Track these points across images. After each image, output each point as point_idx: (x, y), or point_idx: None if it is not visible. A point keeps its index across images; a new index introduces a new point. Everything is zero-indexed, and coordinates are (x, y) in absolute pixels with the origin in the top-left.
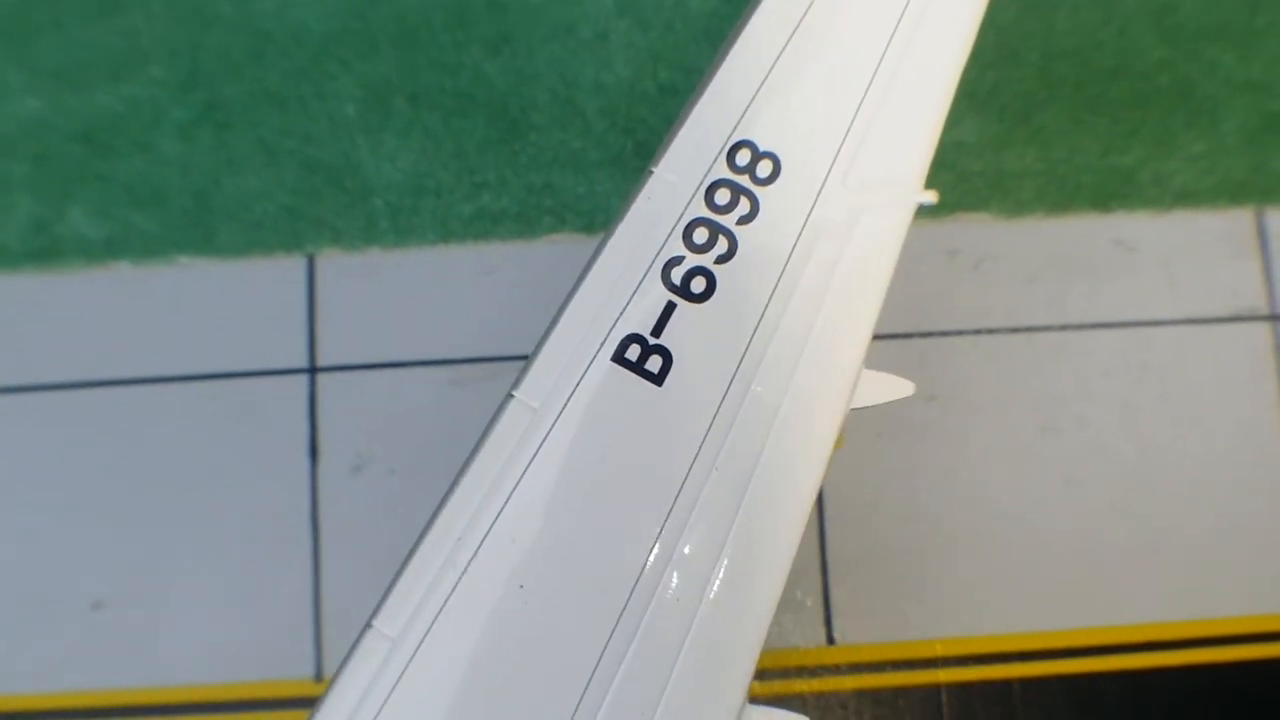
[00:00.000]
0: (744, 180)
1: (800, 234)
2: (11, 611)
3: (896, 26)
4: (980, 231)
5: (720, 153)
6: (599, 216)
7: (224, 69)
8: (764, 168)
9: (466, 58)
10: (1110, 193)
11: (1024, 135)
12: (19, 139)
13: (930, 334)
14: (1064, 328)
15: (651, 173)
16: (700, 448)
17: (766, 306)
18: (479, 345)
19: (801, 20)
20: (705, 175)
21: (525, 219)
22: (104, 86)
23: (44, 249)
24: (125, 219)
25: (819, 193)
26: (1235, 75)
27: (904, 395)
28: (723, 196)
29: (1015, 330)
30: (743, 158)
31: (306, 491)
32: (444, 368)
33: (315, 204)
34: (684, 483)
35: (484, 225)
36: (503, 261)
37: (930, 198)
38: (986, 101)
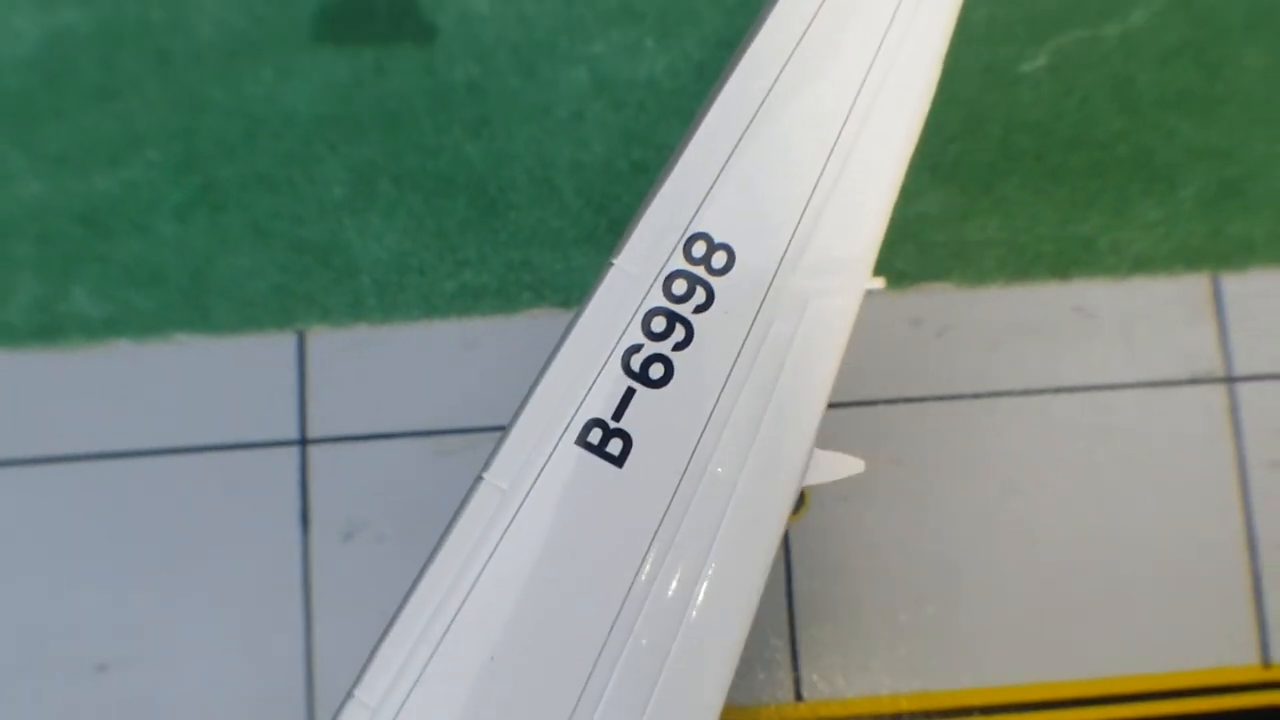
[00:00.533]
0: (700, 271)
1: (754, 321)
2: (21, 675)
3: (846, 120)
4: (943, 300)
5: (677, 245)
6: (575, 292)
7: (218, 153)
8: (719, 259)
9: (447, 140)
10: (1070, 260)
11: (986, 206)
12: (23, 221)
13: (896, 400)
14: (1025, 392)
15: (612, 264)
16: (659, 526)
17: (722, 390)
18: (462, 416)
19: (756, 114)
20: (663, 267)
21: (505, 295)
22: (103, 170)
23: (47, 327)
24: (124, 298)
25: (771, 282)
26: (1193, 143)
27: (854, 473)
28: (680, 287)
29: (978, 396)
30: (699, 249)
31: (299, 558)
32: (429, 438)
33: (305, 282)
34: (644, 559)
35: (466, 301)
36: (484, 336)
37: (878, 284)
38: (949, 174)
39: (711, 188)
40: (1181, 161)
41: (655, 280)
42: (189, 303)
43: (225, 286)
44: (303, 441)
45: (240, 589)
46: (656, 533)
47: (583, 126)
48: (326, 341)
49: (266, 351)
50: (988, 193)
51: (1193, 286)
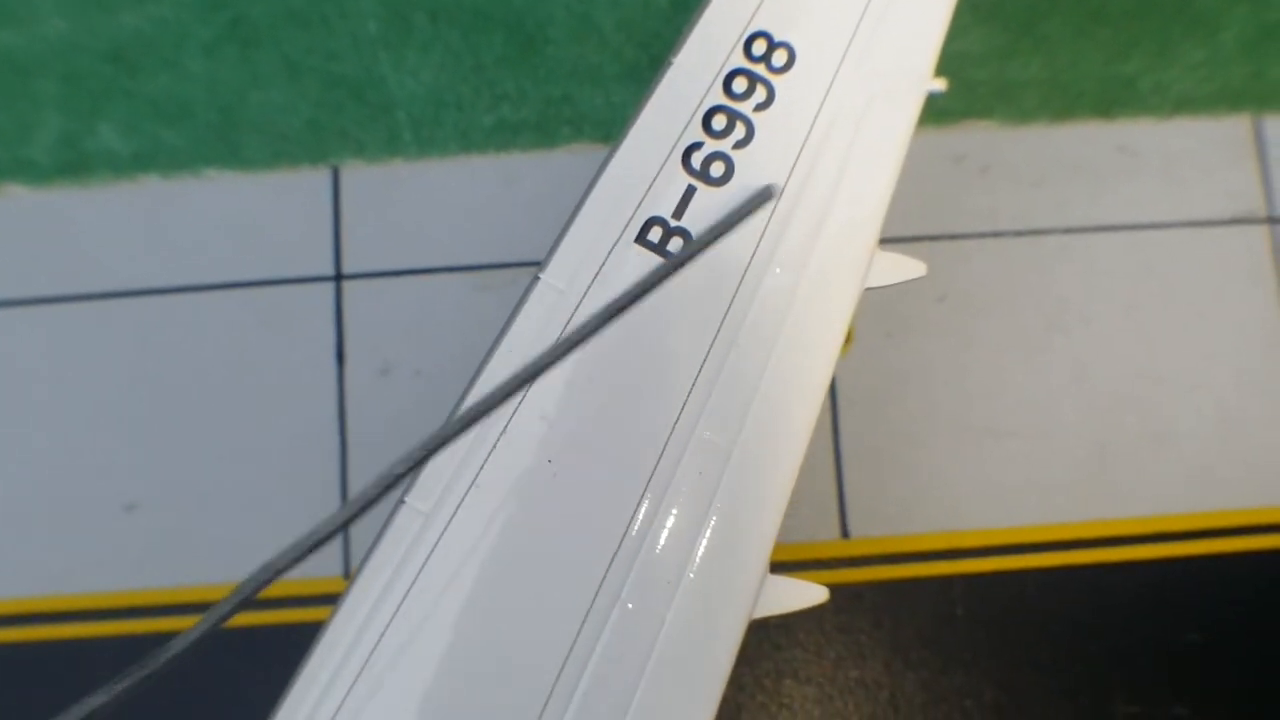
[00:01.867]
0: (760, 69)
1: (815, 120)
2: (48, 514)
3: None
4: (986, 138)
5: (737, 42)
6: (617, 127)
7: None
8: (779, 57)
9: None
10: (1113, 100)
11: (1028, 45)
12: (48, 59)
13: (939, 237)
14: (1069, 230)
15: (671, 63)
16: (720, 327)
17: (782, 190)
18: (502, 251)
19: None
20: (723, 64)
21: (544, 130)
22: (131, 7)
23: (73, 163)
24: (153, 134)
25: (832, 81)
26: None
27: (916, 276)
28: (740, 85)
29: (1021, 233)
30: (759, 47)
31: (334, 395)
32: (468, 274)
33: (339, 117)
34: (704, 360)
35: (504, 136)
36: (523, 171)
37: (940, 85)
38: (991, 12)
39: None
40: (1221, 5)
41: (716, 78)
42: (219, 138)
43: (257, 122)
44: (338, 277)
45: (274, 425)
46: (718, 331)
47: None
48: (361, 176)
49: (300, 186)
50: (1029, 32)
51: (1234, 128)
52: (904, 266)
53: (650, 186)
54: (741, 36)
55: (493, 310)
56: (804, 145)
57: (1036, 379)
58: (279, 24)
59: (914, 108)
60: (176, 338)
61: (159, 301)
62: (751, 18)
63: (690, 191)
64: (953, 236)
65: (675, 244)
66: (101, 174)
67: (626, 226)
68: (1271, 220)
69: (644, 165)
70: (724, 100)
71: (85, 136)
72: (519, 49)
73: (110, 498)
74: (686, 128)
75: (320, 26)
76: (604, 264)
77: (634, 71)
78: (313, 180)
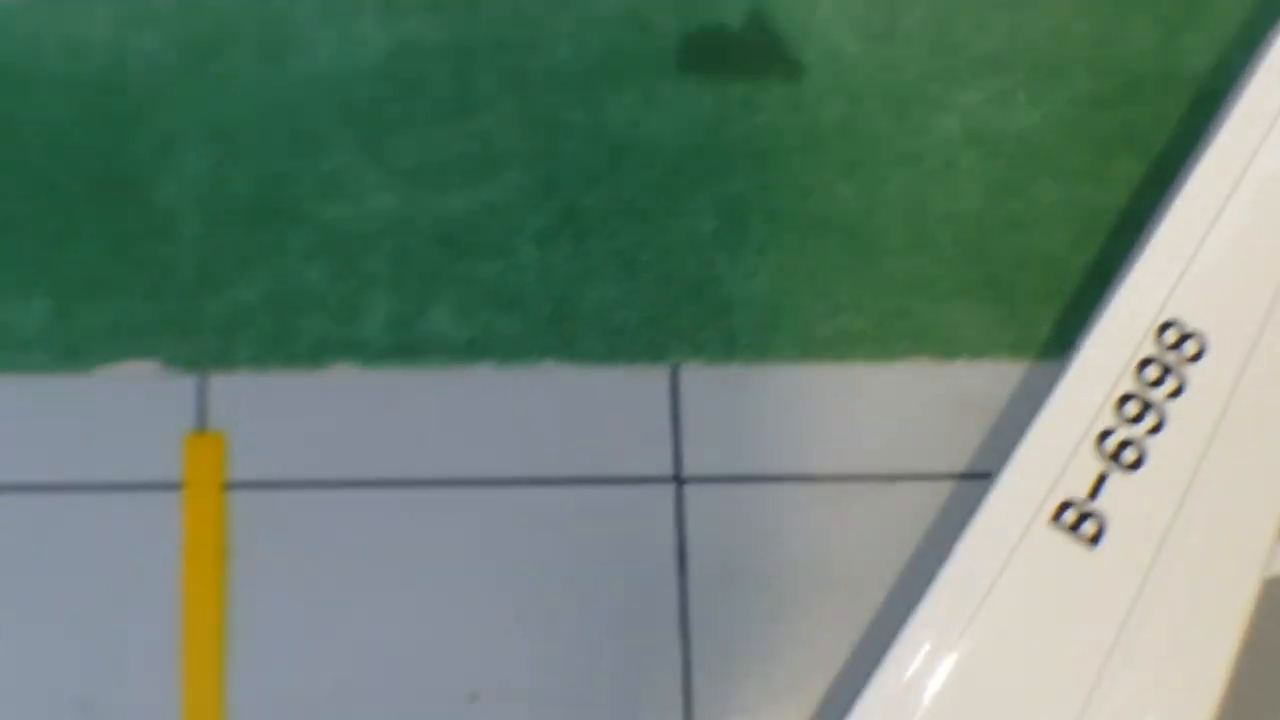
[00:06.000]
0: (1171, 358)
1: (1226, 408)
2: (388, 701)
3: None
4: None
5: (1148, 331)
6: (954, 343)
7: (580, 178)
8: (1190, 346)
9: (819, 180)
10: None
11: None
12: (377, 237)
13: None
14: None
15: (1080, 348)
16: (1130, 612)
17: (1194, 478)
18: (846, 462)
19: (1230, 196)
20: (1135, 352)
21: (881, 341)
22: (460, 189)
23: (405, 346)
24: (487, 321)
25: (1245, 368)
26: None
27: None
28: (1152, 373)
29: None
30: (1170, 336)
31: (675, 601)
32: (814, 485)
33: (675, 316)
34: (1113, 649)
35: (842, 346)
36: (863, 381)
37: None
38: None
39: (1185, 271)
40: None
41: (1127, 365)
42: (553, 329)
43: (590, 315)
44: (678, 479)
45: (614, 626)
46: (1126, 619)
47: (956, 175)
48: (700, 378)
49: (637, 384)
50: None
51: None
52: None
53: (1063, 470)
54: (1153, 324)
55: (838, 524)
56: (1215, 433)
57: None
58: (613, 216)
59: None
60: (511, 531)
61: (495, 493)
62: (1163, 305)
63: (1103, 477)
64: None
65: (1088, 527)
66: (435, 358)
67: (1040, 509)
68: None
69: (1057, 449)
70: (1136, 388)
71: (417, 318)
72: (855, 257)
73: (453, 686)
74: (1099, 414)
75: (655, 222)
76: (1016, 547)
77: (969, 289)
78: (650, 378)
